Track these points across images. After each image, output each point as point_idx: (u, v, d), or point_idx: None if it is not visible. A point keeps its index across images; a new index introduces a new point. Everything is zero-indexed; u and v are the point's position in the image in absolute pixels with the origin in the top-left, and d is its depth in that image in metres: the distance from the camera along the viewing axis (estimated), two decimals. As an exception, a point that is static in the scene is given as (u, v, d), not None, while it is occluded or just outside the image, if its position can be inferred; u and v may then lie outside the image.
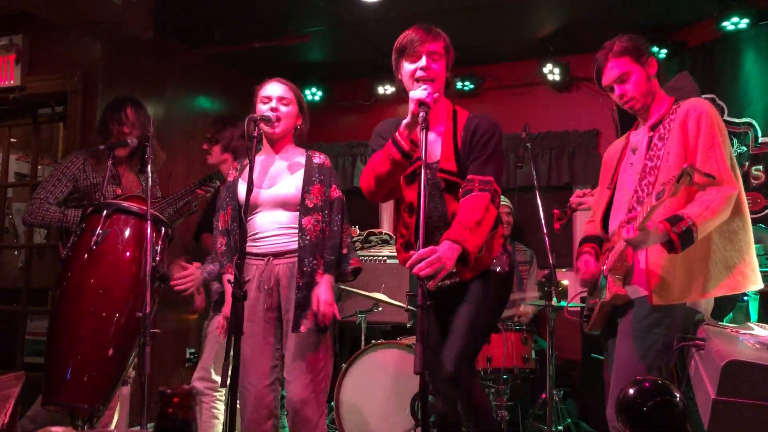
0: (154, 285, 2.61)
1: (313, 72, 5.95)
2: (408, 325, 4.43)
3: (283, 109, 2.83)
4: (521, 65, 5.46)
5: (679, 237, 2.08)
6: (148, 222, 2.57)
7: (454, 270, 2.38)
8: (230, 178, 2.97)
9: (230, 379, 2.33)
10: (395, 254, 4.70)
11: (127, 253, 2.65)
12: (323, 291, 2.73)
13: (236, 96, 5.74)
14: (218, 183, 3.60)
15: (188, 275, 3.21)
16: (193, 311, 4.13)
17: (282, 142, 2.92)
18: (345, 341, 5.01)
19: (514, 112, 5.31)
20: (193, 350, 5.16)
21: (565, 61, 5.31)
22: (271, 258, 2.80)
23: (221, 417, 3.32)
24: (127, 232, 2.67)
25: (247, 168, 2.51)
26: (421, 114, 2.22)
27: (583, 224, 2.81)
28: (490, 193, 2.37)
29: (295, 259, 2.77)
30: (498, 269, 2.54)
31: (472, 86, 5.58)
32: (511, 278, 2.65)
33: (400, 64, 2.47)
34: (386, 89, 5.75)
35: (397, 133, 2.39)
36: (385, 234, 5.03)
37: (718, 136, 2.28)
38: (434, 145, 2.48)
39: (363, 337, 4.21)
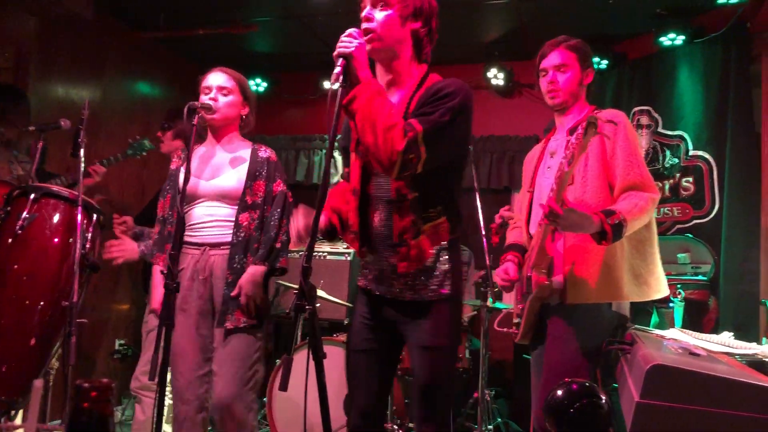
0: (84, 273, 2.52)
1: (260, 63, 5.87)
2: (345, 322, 4.42)
3: (222, 98, 2.78)
4: (467, 68, 5.52)
5: (613, 228, 2.13)
6: (79, 208, 2.48)
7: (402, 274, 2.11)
8: (173, 167, 2.92)
9: (160, 371, 2.27)
10: (335, 250, 4.75)
11: (55, 240, 2.54)
12: (246, 284, 2.68)
13: (180, 83, 5.61)
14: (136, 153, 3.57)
15: (122, 244, 3.14)
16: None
17: (226, 133, 2.87)
18: (280, 337, 4.96)
19: (458, 114, 5.35)
20: (123, 342, 5.02)
21: (509, 67, 5.40)
22: (208, 248, 2.75)
23: (168, 413, 3.25)
24: (55, 218, 2.56)
25: (192, 157, 2.47)
26: (336, 69, 1.92)
27: (508, 230, 2.85)
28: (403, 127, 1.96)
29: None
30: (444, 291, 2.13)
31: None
32: (461, 298, 2.25)
33: None
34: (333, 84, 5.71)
35: None
36: (326, 230, 5.00)
37: (637, 146, 2.36)
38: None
39: (299, 333, 4.18)
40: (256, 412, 2.77)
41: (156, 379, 2.24)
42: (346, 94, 1.94)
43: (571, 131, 2.47)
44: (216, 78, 2.80)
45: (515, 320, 2.60)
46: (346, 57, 1.93)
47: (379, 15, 2.07)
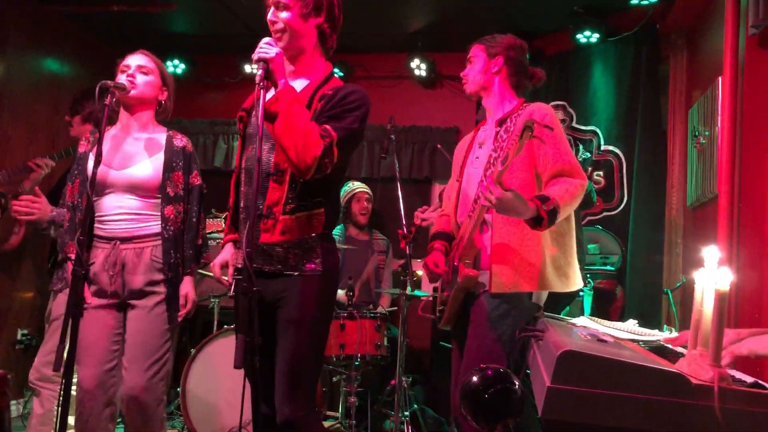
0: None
1: (177, 44, 5.67)
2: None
3: (140, 77, 2.69)
4: (391, 57, 5.53)
5: (548, 214, 2.18)
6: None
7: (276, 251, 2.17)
8: (81, 150, 2.78)
9: (65, 363, 2.17)
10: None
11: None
12: (192, 292, 2.75)
13: (91, 61, 5.35)
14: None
15: (37, 202, 3.05)
16: (3, 249, 3.88)
17: (141, 116, 2.75)
18: (196, 326, 4.85)
19: (381, 104, 5.33)
20: (26, 332, 4.78)
21: (432, 58, 5.44)
22: (118, 242, 2.65)
23: (72, 407, 3.11)
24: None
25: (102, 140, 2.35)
26: (258, 72, 2.06)
27: (437, 217, 2.88)
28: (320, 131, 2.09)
29: (144, 244, 2.66)
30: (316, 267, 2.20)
31: (341, 74, 5.57)
32: (334, 277, 2.29)
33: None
34: (254, 68, 5.58)
35: None
36: (245, 217, 4.92)
37: (564, 136, 2.43)
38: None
39: (215, 322, 4.10)
40: (165, 405, 2.71)
41: (60, 371, 2.13)
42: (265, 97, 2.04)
43: (500, 122, 2.53)
44: (136, 57, 2.72)
45: (439, 307, 2.64)
46: (266, 62, 2.07)
47: (283, 15, 2.20)
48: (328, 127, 2.10)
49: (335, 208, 2.30)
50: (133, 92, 2.66)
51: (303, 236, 2.19)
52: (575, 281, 2.48)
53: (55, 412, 3.05)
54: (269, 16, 2.22)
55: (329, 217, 2.25)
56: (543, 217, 2.15)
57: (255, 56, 2.09)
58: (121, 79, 2.65)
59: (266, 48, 2.10)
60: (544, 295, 2.52)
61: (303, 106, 2.12)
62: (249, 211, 2.14)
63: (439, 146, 4.98)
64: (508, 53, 2.59)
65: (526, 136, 2.09)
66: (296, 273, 2.18)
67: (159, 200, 2.69)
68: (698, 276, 1.44)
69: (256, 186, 2.02)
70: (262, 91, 2.03)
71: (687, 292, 3.98)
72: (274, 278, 2.20)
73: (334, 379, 4.29)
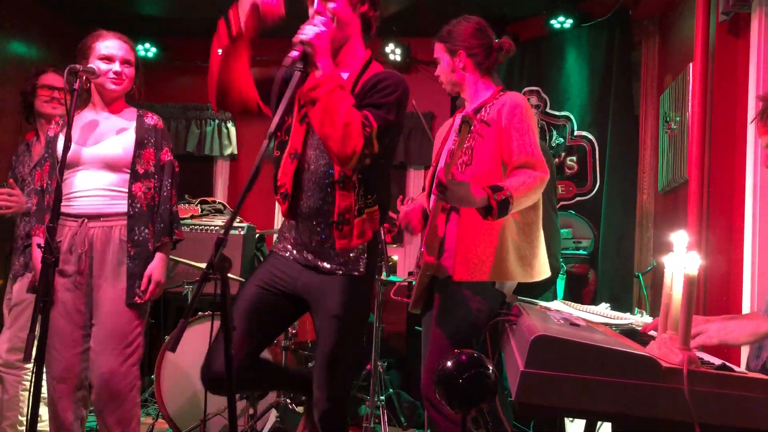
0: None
1: (148, 26, 5.58)
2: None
3: (128, 72, 2.68)
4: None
5: (498, 204, 2.19)
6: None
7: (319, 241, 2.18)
8: (51, 133, 2.74)
9: (37, 350, 2.15)
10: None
11: None
12: (156, 270, 2.66)
13: (59, 44, 5.23)
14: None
15: (14, 195, 2.99)
16: None
17: (115, 101, 2.74)
18: (170, 312, 4.81)
19: (356, 88, 5.34)
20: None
21: (407, 43, 5.42)
22: (86, 220, 2.61)
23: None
24: None
25: (72, 123, 2.32)
26: (293, 53, 1.98)
27: (417, 196, 2.90)
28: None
29: (113, 223, 2.63)
30: (362, 269, 2.23)
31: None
32: (374, 275, 2.33)
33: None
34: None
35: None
36: (219, 203, 4.88)
37: (531, 126, 2.43)
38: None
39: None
40: (138, 390, 2.68)
41: (30, 357, 2.11)
42: (303, 80, 1.97)
43: (476, 112, 2.53)
44: (118, 47, 2.66)
45: (410, 293, 2.67)
46: (306, 44, 1.97)
47: (331, 5, 2.13)
48: (368, 114, 2.04)
49: (385, 204, 2.28)
50: (119, 88, 2.67)
51: (371, 235, 2.21)
52: (540, 271, 2.49)
53: (21, 398, 3.03)
54: (315, 6, 2.13)
55: (382, 213, 2.25)
56: (492, 207, 2.15)
57: (297, 38, 1.99)
58: (103, 68, 2.61)
59: (309, 30, 2.00)
60: (511, 284, 2.54)
61: (347, 93, 2.04)
62: (310, 212, 2.17)
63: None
64: (470, 44, 2.54)
65: (464, 131, 2.12)
66: (347, 272, 2.20)
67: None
68: (668, 260, 1.46)
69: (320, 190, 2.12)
70: (298, 74, 1.96)
71: (657, 276, 4.04)
72: (322, 272, 2.21)
73: (310, 364, 4.30)
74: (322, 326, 2.20)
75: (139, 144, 2.68)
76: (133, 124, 2.71)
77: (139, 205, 2.65)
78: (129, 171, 2.66)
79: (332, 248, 2.20)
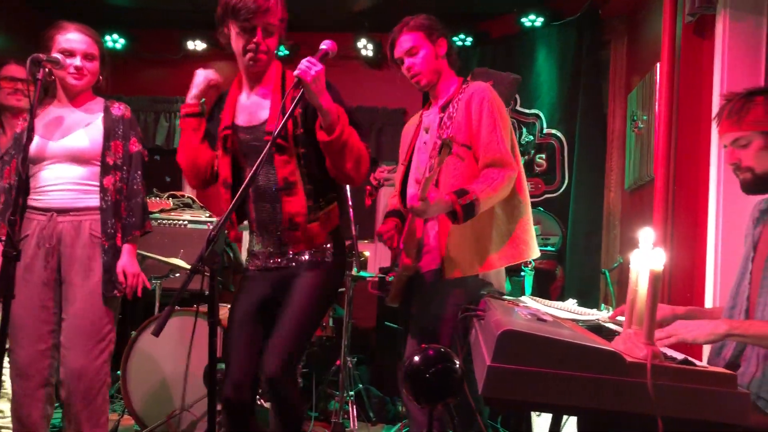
0: None
1: (117, 17, 5.48)
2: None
3: (90, 66, 2.61)
4: (337, 37, 5.38)
5: (463, 209, 2.24)
6: None
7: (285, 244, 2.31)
8: (19, 129, 2.68)
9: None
10: (197, 218, 4.58)
11: None
12: (129, 263, 2.62)
13: (25, 33, 5.10)
14: None
15: None
16: None
17: (81, 93, 2.68)
18: (137, 307, 4.74)
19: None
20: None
21: (379, 39, 5.41)
22: (55, 214, 2.56)
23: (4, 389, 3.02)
24: None
25: (38, 117, 2.27)
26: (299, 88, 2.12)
27: (388, 197, 2.90)
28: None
29: (82, 217, 2.58)
30: (329, 258, 2.35)
31: (287, 52, 5.49)
32: (344, 268, 2.50)
33: (228, 22, 2.26)
34: (196, 44, 5.46)
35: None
36: (188, 197, 4.82)
37: (498, 120, 2.44)
38: (259, 109, 2.31)
39: (157, 304, 4.02)
40: (108, 386, 2.64)
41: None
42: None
43: (443, 108, 2.53)
44: (80, 41, 2.58)
45: (388, 286, 2.68)
46: (306, 83, 2.08)
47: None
48: (360, 133, 2.25)
49: (344, 200, 2.46)
50: (82, 83, 2.60)
51: (327, 234, 2.32)
52: (532, 247, 2.54)
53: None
54: (256, 39, 2.24)
55: (342, 208, 2.41)
56: (457, 212, 2.24)
57: (297, 74, 2.10)
58: (61, 58, 2.54)
59: (308, 67, 2.12)
60: (502, 273, 2.57)
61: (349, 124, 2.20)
62: (265, 224, 2.31)
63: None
64: (445, 32, 2.58)
65: (444, 153, 2.14)
66: (315, 260, 2.31)
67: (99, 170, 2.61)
68: (633, 257, 1.48)
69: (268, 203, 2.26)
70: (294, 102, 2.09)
71: (624, 272, 4.10)
72: (292, 265, 2.33)
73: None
74: (288, 300, 2.28)
75: (108, 135, 2.62)
76: (101, 115, 2.66)
77: (109, 198, 2.60)
78: (99, 164, 2.60)
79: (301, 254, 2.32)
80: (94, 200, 2.60)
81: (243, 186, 1.93)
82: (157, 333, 1.72)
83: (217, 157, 2.37)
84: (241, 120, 2.34)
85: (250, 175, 1.93)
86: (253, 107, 2.32)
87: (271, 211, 2.29)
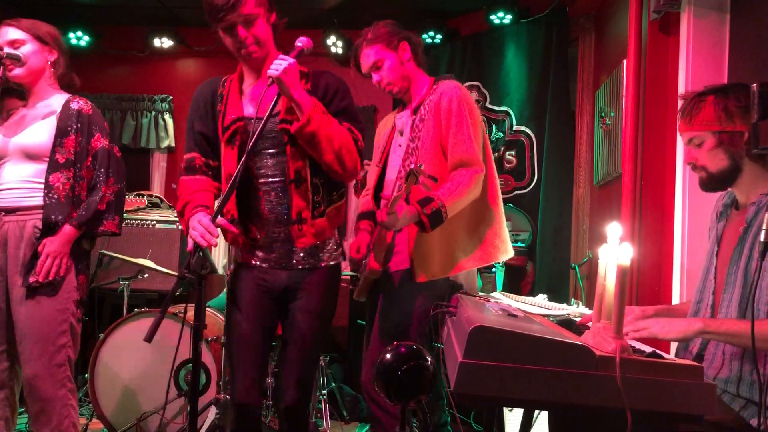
0: None
1: (80, 14, 5.37)
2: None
3: (27, 51, 2.52)
4: (307, 34, 5.37)
5: (429, 218, 2.25)
6: None
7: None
8: None
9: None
10: (165, 218, 4.52)
11: None
12: (52, 242, 2.45)
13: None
14: None
15: None
16: None
17: (39, 85, 2.60)
18: (105, 309, 4.67)
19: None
20: None
21: (348, 36, 5.40)
22: (3, 214, 2.50)
23: None
24: None
25: (11, 116, 2.22)
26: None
27: (361, 197, 2.89)
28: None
29: (27, 217, 2.50)
30: (332, 262, 2.31)
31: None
32: (340, 268, 2.41)
33: (213, 26, 2.22)
34: (163, 42, 5.38)
35: None
36: (156, 197, 4.76)
37: (467, 119, 2.44)
38: (268, 98, 2.17)
39: (125, 305, 3.96)
40: (71, 390, 2.53)
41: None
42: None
43: (415, 110, 2.53)
44: (3, 33, 2.51)
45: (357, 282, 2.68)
46: (279, 79, 2.06)
47: (256, 30, 2.21)
48: (351, 127, 2.20)
49: (345, 197, 2.38)
50: (17, 71, 2.51)
51: (332, 230, 2.29)
52: (503, 250, 2.55)
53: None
54: (240, 37, 2.18)
55: (346, 205, 2.39)
56: (423, 222, 2.26)
57: (269, 73, 2.07)
58: None
59: (278, 63, 2.08)
60: (474, 273, 2.59)
61: (329, 115, 2.15)
62: (271, 217, 2.24)
63: None
64: (405, 35, 2.58)
65: (411, 182, 2.16)
66: (317, 266, 2.27)
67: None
68: (602, 251, 1.50)
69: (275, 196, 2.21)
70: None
71: (593, 267, 4.15)
72: (297, 270, 2.27)
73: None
74: (297, 318, 2.25)
75: (61, 132, 2.53)
76: (57, 110, 2.57)
77: (56, 197, 2.49)
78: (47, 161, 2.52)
79: (305, 249, 2.26)
80: (40, 199, 2.50)
81: (235, 173, 1.98)
82: (149, 339, 1.75)
83: (223, 154, 2.28)
84: (251, 111, 2.26)
85: (243, 158, 1.98)
86: (264, 98, 2.23)
87: (279, 203, 2.23)
